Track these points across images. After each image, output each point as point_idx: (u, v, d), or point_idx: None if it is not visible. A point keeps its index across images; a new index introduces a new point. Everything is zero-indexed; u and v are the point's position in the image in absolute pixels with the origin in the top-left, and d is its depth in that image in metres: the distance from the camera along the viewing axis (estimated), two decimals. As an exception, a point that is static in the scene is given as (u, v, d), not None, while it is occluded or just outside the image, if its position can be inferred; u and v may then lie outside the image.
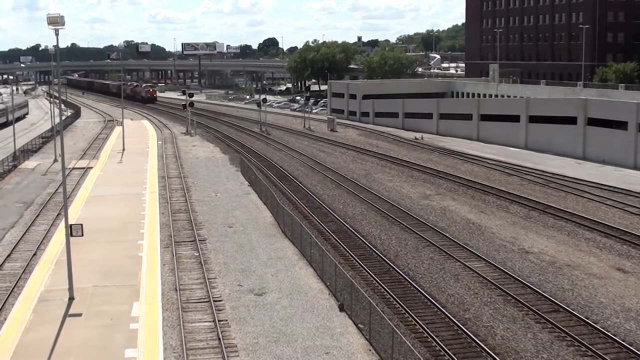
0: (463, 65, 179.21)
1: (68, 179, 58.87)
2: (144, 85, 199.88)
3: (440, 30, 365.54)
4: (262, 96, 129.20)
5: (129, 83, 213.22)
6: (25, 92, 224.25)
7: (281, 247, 41.23)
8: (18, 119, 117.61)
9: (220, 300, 32.46)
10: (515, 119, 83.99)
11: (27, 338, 27.09)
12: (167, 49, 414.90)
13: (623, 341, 27.84)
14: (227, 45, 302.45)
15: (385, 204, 52.84)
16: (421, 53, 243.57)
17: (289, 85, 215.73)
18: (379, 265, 38.10)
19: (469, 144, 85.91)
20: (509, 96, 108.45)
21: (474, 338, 28.22)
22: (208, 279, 35.30)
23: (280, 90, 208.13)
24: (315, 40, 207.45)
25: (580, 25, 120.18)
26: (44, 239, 43.84)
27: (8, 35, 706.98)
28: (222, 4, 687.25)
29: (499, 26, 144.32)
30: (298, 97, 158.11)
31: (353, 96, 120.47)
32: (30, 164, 76.69)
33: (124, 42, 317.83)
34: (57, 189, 58.94)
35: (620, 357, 26.61)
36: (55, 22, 30.61)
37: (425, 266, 37.90)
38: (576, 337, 28.14)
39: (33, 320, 28.90)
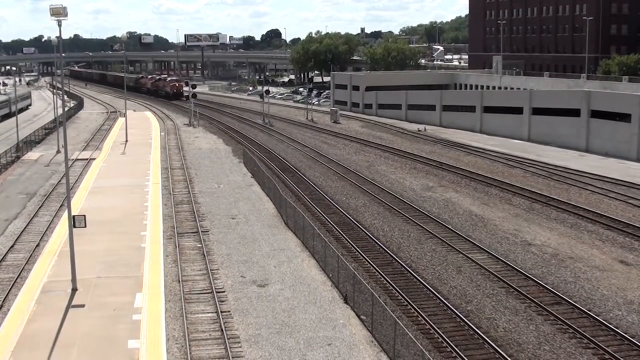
0: (466, 57, 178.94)
1: (71, 170, 58.97)
2: (168, 79, 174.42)
3: (444, 21, 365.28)
4: (265, 88, 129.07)
5: (149, 76, 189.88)
6: (28, 84, 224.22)
7: (284, 239, 41.27)
8: (21, 110, 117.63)
9: (223, 292, 32.51)
10: (518, 111, 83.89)
11: (30, 329, 27.14)
12: (170, 40, 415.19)
13: (625, 333, 27.85)
14: (230, 37, 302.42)
15: (388, 195, 52.84)
16: (424, 45, 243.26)
17: (292, 76, 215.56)
18: (382, 257, 38.12)
19: (472, 136, 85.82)
20: (512, 88, 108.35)
21: (477, 330, 28.25)
22: (211, 270, 35.36)
23: (283, 81, 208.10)
24: (318, 32, 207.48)
25: (584, 17, 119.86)
26: (47, 230, 43.91)
27: (11, 26, 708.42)
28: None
29: (503, 18, 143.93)
30: (301, 89, 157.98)
31: (356, 88, 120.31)
32: (33, 155, 76.77)
33: (127, 33, 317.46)
34: (60, 180, 58.97)
35: (623, 350, 26.61)
36: (58, 13, 30.55)
37: (428, 258, 37.92)
38: (578, 329, 28.16)
39: (36, 311, 28.96)
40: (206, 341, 27.31)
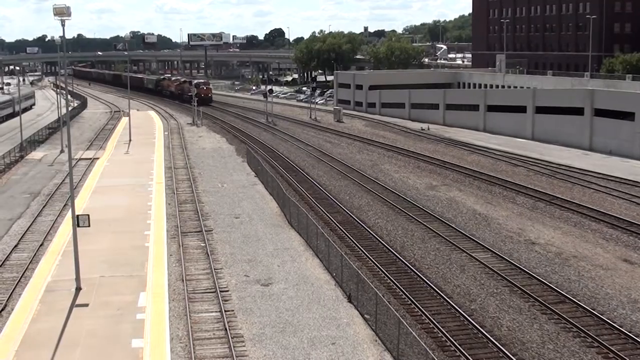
0: (470, 55, 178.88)
1: (75, 169, 58.99)
2: (195, 81, 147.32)
3: (447, 20, 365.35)
4: (269, 87, 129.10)
5: (173, 78, 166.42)
6: (31, 83, 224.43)
7: (287, 238, 41.28)
8: (25, 110, 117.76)
9: (227, 291, 32.53)
10: (521, 109, 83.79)
11: (34, 328, 27.20)
12: (173, 40, 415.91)
13: (629, 332, 27.81)
14: (233, 36, 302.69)
15: (392, 194, 52.81)
16: (428, 43, 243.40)
17: (295, 76, 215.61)
18: (385, 256, 38.10)
19: (475, 135, 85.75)
20: (515, 87, 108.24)
21: (480, 329, 28.22)
22: (214, 269, 35.38)
23: (287, 81, 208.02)
24: (321, 31, 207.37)
25: (588, 16, 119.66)
26: (50, 229, 43.96)
27: (15, 26, 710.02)
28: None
29: (506, 16, 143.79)
30: (304, 88, 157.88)
31: (359, 87, 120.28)
32: (37, 154, 76.85)
33: (130, 32, 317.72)
34: (63, 180, 59.07)
35: (627, 349, 26.56)
36: (62, 12, 30.59)
37: (432, 257, 37.90)
38: (582, 328, 28.12)
39: (40, 310, 29.01)
40: (210, 340, 27.32)
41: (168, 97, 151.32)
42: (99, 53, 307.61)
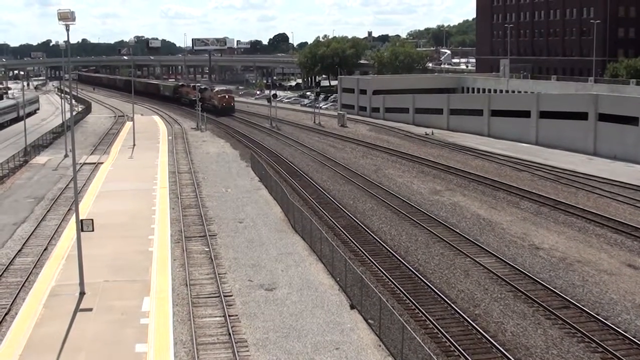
0: (474, 60, 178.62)
1: (79, 174, 59.11)
2: (216, 89, 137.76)
3: (451, 25, 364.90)
4: (273, 92, 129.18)
5: (191, 85, 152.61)
6: (36, 88, 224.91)
7: (291, 243, 41.27)
8: (29, 115, 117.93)
9: (231, 296, 32.53)
10: (526, 114, 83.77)
11: (38, 332, 27.21)
12: (177, 45, 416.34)
13: (634, 338, 27.75)
14: (237, 41, 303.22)
15: (396, 199, 52.79)
16: (432, 48, 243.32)
17: (299, 80, 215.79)
18: (389, 261, 38.08)
19: (479, 140, 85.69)
20: (519, 92, 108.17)
21: (484, 334, 28.18)
22: (218, 274, 35.38)
23: (291, 85, 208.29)
24: (325, 36, 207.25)
25: (592, 21, 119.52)
26: (54, 234, 44.01)
27: (20, 31, 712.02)
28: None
29: (510, 21, 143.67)
30: (308, 93, 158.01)
31: (363, 91, 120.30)
32: (41, 159, 76.98)
33: (134, 37, 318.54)
34: (67, 184, 59.12)
35: (631, 354, 26.50)
36: (66, 17, 30.66)
37: (436, 262, 37.86)
38: (587, 333, 28.06)
39: (44, 314, 29.03)
40: (214, 345, 27.32)
41: (187, 106, 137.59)
42: (124, 57, 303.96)
